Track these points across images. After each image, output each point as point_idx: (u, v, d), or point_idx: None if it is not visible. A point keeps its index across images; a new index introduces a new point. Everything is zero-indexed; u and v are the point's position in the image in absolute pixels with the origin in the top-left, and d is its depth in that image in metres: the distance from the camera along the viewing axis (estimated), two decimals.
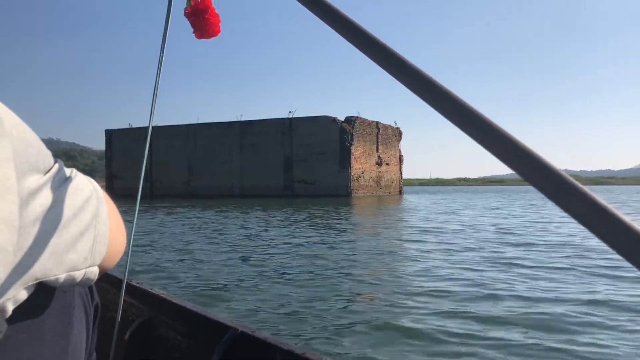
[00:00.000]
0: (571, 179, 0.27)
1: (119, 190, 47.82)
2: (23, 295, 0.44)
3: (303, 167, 47.24)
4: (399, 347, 3.57)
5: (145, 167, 1.11)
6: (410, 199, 41.29)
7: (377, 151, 50.74)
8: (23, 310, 0.47)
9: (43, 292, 0.50)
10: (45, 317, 0.52)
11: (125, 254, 0.64)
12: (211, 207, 25.82)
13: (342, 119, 46.51)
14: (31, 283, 0.44)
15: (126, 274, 1.08)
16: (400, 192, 55.70)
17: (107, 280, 1.50)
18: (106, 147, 56.59)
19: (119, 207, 0.61)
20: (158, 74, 0.98)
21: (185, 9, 0.89)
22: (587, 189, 0.27)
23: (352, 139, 45.77)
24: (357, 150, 46.53)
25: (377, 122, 50.66)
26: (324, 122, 46.48)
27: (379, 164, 50.98)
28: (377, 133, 50.68)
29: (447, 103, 0.33)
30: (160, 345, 1.36)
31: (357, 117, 47.00)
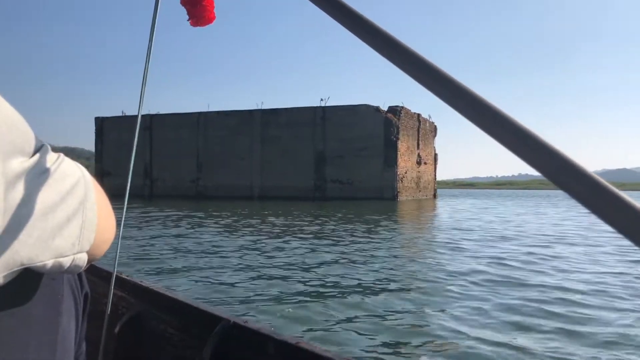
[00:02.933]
0: (574, 160, 0.26)
1: (112, 189, 36.17)
2: (7, 280, 0.43)
3: (338, 164, 40.18)
4: None
5: (134, 158, 1.03)
6: (455, 203, 35.10)
7: (418, 148, 44.27)
8: (9, 297, 0.46)
9: (30, 279, 0.49)
10: (32, 305, 0.50)
11: (115, 246, 0.61)
12: (222, 210, 20.75)
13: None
14: (16, 268, 0.43)
15: (115, 266, 1.05)
16: (435, 195, 49.45)
17: (96, 273, 1.48)
18: (96, 138, 47.76)
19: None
20: (148, 57, 0.94)
21: None
22: (590, 171, 0.26)
23: (397, 133, 39.09)
24: (402, 146, 39.89)
25: (419, 115, 44.21)
26: (365, 112, 39.60)
27: (419, 162, 44.52)
28: (418, 127, 44.22)
29: (443, 86, 0.31)
30: (152, 338, 1.34)
31: (402, 107, 40.34)
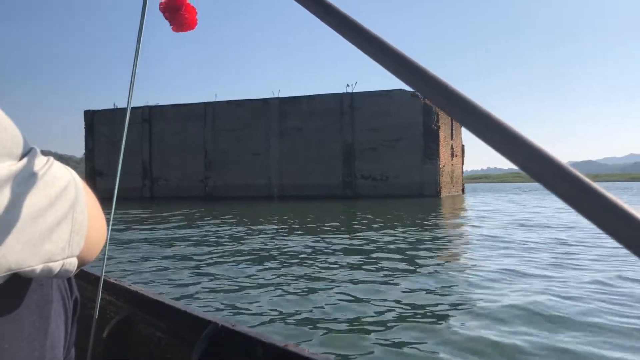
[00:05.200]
0: (568, 165, 0.26)
1: (105, 191, 32.49)
2: None
3: (370, 158, 35.50)
4: None
5: (122, 155, 1.02)
6: (498, 198, 30.97)
7: (452, 139, 39.93)
8: None
9: (19, 285, 0.48)
10: (21, 310, 0.49)
11: (102, 249, 0.63)
12: (234, 215, 16.74)
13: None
14: (4, 274, 0.42)
15: (103, 270, 1.06)
16: (463, 191, 45.27)
17: (84, 277, 1.48)
18: (86, 134, 41.65)
19: (105, 211, 0.59)
20: (137, 47, 0.94)
21: (160, 4, 0.85)
22: (586, 177, 0.25)
23: (438, 121, 34.65)
24: (441, 136, 35.47)
25: None
26: (400, 98, 34.97)
27: (452, 155, 40.21)
28: None
29: (430, 86, 0.31)
30: (140, 342, 1.35)
31: None
